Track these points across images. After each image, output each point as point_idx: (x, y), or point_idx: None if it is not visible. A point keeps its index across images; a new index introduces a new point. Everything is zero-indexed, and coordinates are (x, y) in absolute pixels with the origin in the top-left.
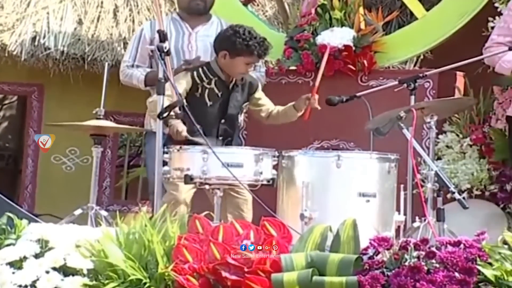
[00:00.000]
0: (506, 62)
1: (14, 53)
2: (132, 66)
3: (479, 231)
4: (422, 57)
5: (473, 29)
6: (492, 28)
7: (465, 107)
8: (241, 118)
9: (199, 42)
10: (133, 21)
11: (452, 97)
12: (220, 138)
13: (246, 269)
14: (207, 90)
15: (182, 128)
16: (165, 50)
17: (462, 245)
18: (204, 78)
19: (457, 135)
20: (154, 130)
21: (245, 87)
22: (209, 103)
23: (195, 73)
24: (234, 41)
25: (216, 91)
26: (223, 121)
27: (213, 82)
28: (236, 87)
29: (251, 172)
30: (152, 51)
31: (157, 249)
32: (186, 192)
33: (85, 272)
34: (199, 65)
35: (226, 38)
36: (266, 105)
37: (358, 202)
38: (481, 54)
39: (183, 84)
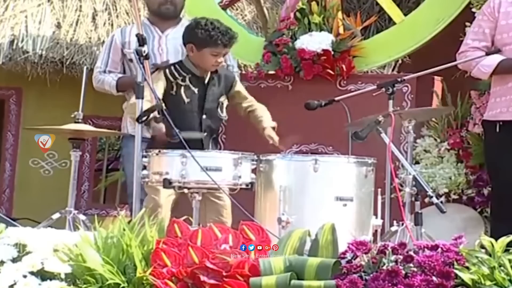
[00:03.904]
0: (485, 67)
1: None
2: (104, 71)
3: (456, 235)
4: (400, 61)
5: (451, 34)
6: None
7: (443, 113)
8: (223, 113)
9: (169, 44)
10: (112, 25)
11: (430, 107)
12: (205, 133)
13: (224, 273)
14: (182, 88)
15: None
16: (144, 54)
17: (439, 249)
18: (177, 76)
19: (435, 140)
20: (131, 133)
21: (221, 80)
22: (186, 100)
23: (167, 71)
24: (196, 33)
25: (192, 87)
26: (204, 116)
27: (187, 79)
28: (212, 80)
29: (230, 176)
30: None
31: (135, 253)
32: (167, 197)
33: (62, 276)
34: (170, 64)
35: (190, 31)
36: (247, 99)
37: (335, 206)
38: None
39: (160, 84)
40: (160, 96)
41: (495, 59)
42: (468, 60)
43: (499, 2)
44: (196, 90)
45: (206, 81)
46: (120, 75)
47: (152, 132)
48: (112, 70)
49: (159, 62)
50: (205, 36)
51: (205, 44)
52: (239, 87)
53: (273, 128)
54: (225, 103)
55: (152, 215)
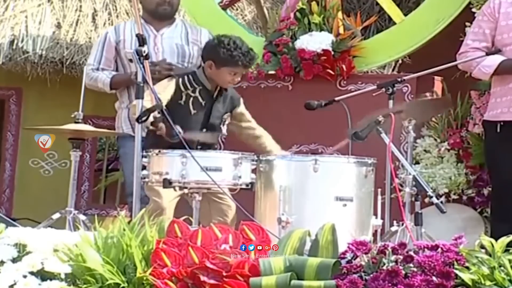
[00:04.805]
0: (486, 67)
1: None
2: (97, 69)
3: (456, 235)
4: (400, 61)
5: (451, 34)
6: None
7: (443, 109)
8: (223, 130)
9: (165, 44)
10: (112, 25)
11: (428, 98)
12: (199, 148)
13: (224, 273)
14: (191, 99)
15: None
16: (144, 54)
17: (439, 249)
18: (189, 86)
19: (435, 140)
20: (128, 133)
21: (227, 99)
22: (193, 111)
23: (180, 80)
24: (218, 52)
25: (200, 100)
26: (204, 130)
27: (197, 90)
28: (220, 96)
29: (230, 176)
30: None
31: (135, 253)
32: (170, 200)
33: (62, 276)
34: (184, 73)
35: (212, 48)
36: (250, 122)
37: (335, 206)
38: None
39: (168, 91)
40: (164, 103)
41: (496, 59)
42: (469, 60)
43: (499, 2)
44: (203, 103)
45: (214, 96)
46: (114, 73)
47: (159, 131)
48: (105, 67)
49: (155, 61)
50: (226, 56)
51: (225, 63)
52: (243, 109)
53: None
54: (228, 120)
55: (156, 218)
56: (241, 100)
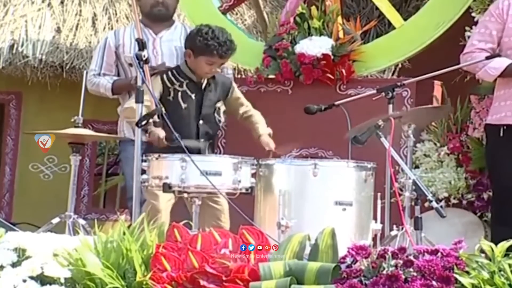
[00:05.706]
0: (492, 69)
1: None
2: (99, 74)
3: (456, 240)
4: (400, 66)
5: (451, 38)
6: (469, 37)
7: (442, 115)
8: (220, 118)
9: (164, 47)
10: (112, 29)
11: (429, 106)
12: (202, 140)
13: (224, 278)
14: (179, 93)
15: (163, 134)
16: (144, 58)
17: (439, 254)
18: (175, 81)
19: (435, 144)
20: (129, 137)
21: (218, 86)
22: (183, 105)
23: (164, 76)
24: (195, 40)
25: (189, 93)
26: (201, 122)
27: (184, 84)
28: (209, 86)
29: (230, 181)
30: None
31: (135, 258)
32: (166, 202)
33: (62, 281)
34: (168, 69)
35: (191, 37)
36: (244, 105)
37: (334, 211)
38: (459, 63)
39: (155, 89)
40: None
41: (504, 62)
42: (471, 64)
43: (508, 4)
44: (193, 96)
45: (203, 87)
46: (115, 78)
47: (149, 138)
48: (107, 73)
49: (155, 65)
50: (202, 44)
51: (201, 52)
52: (237, 93)
53: (269, 134)
54: (222, 108)
55: (152, 220)
56: (233, 84)
